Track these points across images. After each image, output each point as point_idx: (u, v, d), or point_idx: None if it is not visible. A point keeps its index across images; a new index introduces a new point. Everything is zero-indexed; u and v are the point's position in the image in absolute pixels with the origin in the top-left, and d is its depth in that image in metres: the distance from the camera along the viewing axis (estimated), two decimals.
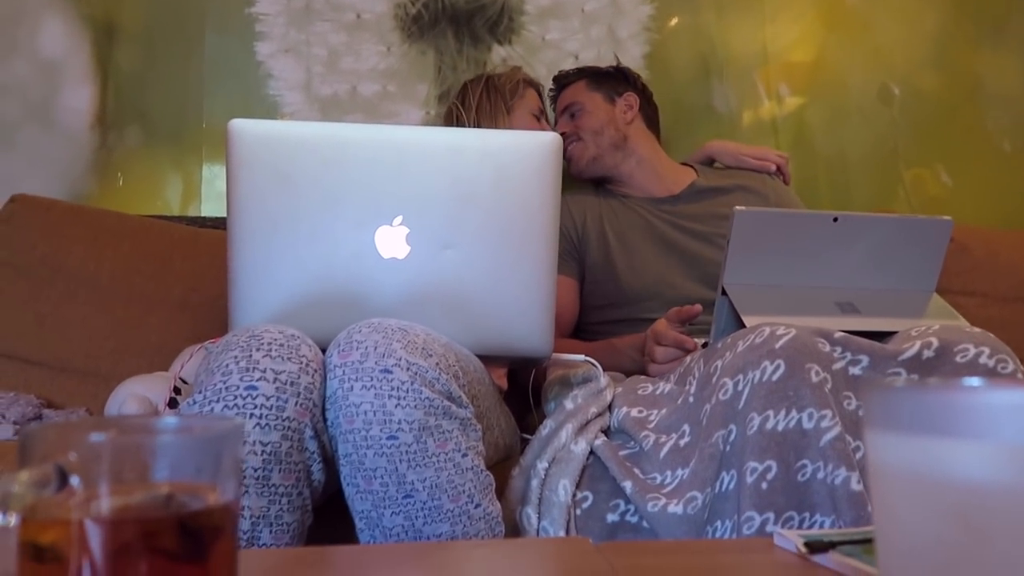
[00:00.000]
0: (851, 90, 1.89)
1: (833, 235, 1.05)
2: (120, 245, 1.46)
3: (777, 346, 0.85)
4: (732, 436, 0.84)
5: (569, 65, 1.76)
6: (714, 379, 0.89)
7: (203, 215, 1.69)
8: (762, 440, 0.81)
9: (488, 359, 0.95)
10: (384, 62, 1.76)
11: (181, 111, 1.70)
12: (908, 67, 1.91)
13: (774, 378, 0.83)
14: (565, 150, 1.52)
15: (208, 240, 1.51)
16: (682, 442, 0.90)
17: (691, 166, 1.57)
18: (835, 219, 1.04)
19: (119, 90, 1.69)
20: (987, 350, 0.89)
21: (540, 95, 1.55)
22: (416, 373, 0.75)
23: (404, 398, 0.73)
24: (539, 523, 0.88)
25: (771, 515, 0.79)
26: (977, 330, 0.94)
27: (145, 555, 0.36)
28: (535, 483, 0.90)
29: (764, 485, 0.79)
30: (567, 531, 0.87)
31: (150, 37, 1.70)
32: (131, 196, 1.69)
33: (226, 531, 0.39)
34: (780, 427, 0.81)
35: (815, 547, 0.53)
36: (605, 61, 1.71)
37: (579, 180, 1.58)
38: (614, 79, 1.61)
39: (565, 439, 0.93)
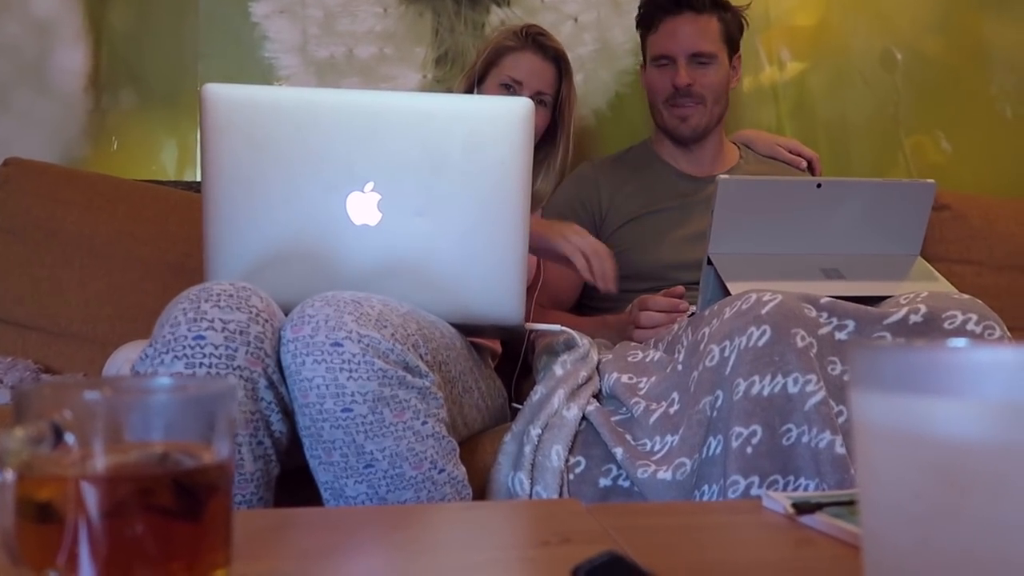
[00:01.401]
0: (853, 55, 1.87)
1: (817, 201, 1.05)
2: (115, 209, 1.46)
3: (763, 312, 0.86)
4: (719, 402, 0.85)
5: (569, 29, 1.74)
6: (701, 346, 0.90)
7: (198, 180, 1.68)
8: (748, 405, 0.82)
9: (463, 328, 0.96)
10: (381, 24, 1.74)
11: (175, 73, 1.68)
12: (911, 32, 1.89)
13: (760, 343, 0.84)
14: (680, 106, 1.40)
15: None
16: (671, 409, 0.91)
17: (736, 145, 1.55)
18: (818, 185, 1.04)
19: (113, 51, 1.67)
20: (975, 316, 0.90)
21: (524, 54, 1.41)
22: (368, 345, 0.75)
23: (356, 370, 0.74)
24: (532, 488, 0.89)
25: (756, 479, 0.80)
26: (966, 297, 0.95)
27: (141, 512, 0.37)
28: (528, 449, 0.91)
29: (749, 449, 0.81)
30: (560, 495, 0.88)
31: None
32: (126, 160, 1.68)
33: (221, 489, 0.39)
34: (766, 392, 0.82)
35: (802, 508, 0.54)
36: (606, 25, 1.66)
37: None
38: (738, 28, 1.45)
39: (557, 405, 0.94)
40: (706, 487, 0.83)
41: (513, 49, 1.40)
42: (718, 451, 0.83)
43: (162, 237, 1.46)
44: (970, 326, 0.89)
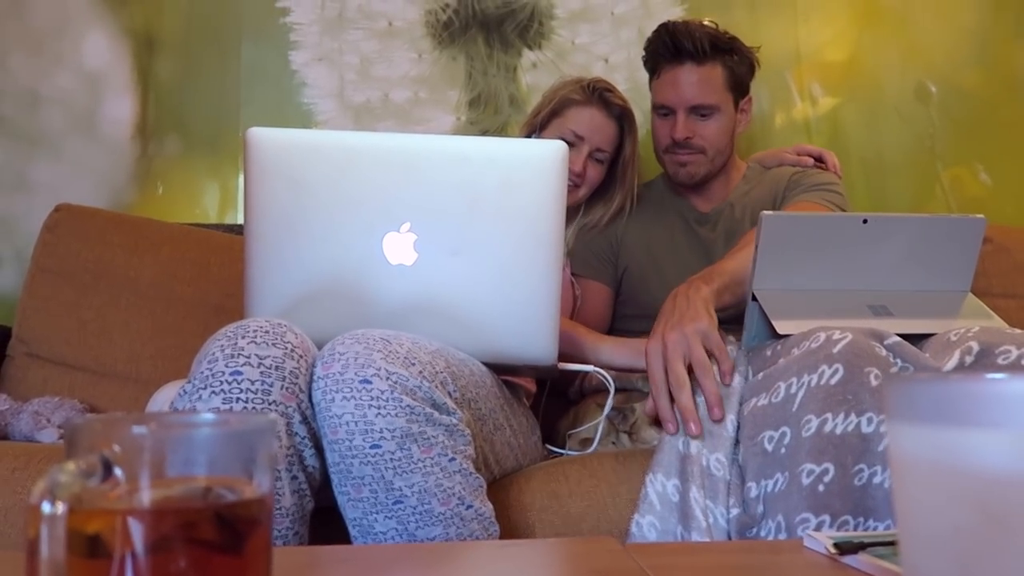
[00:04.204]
0: (887, 89, 1.87)
1: (863, 237, 1.03)
2: (159, 252, 1.50)
3: (835, 351, 0.85)
4: (787, 439, 0.84)
5: (599, 69, 1.76)
6: (766, 383, 0.90)
7: (239, 222, 1.73)
8: (820, 443, 0.81)
9: (496, 367, 0.96)
10: (415, 69, 1.79)
11: (218, 120, 1.74)
12: (946, 64, 1.88)
13: (832, 382, 0.83)
14: (677, 154, 1.37)
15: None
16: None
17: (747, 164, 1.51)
18: (864, 220, 1.03)
19: (159, 100, 1.73)
20: None
21: (592, 109, 1.39)
22: (396, 382, 0.76)
23: (384, 407, 0.75)
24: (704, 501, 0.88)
25: (827, 517, 0.79)
26: (1018, 331, 0.92)
27: (184, 546, 0.37)
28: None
29: (821, 487, 0.80)
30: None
31: (188, 48, 1.74)
32: (170, 204, 1.73)
33: (262, 523, 0.40)
34: (839, 430, 0.81)
35: (845, 548, 0.53)
36: (636, 64, 1.65)
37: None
38: (747, 70, 1.38)
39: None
40: (768, 523, 0.82)
41: (578, 103, 1.39)
42: (781, 487, 0.83)
43: (204, 278, 1.49)
44: None
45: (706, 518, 0.86)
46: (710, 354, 0.95)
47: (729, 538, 0.85)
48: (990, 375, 0.26)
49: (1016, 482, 0.24)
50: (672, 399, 0.94)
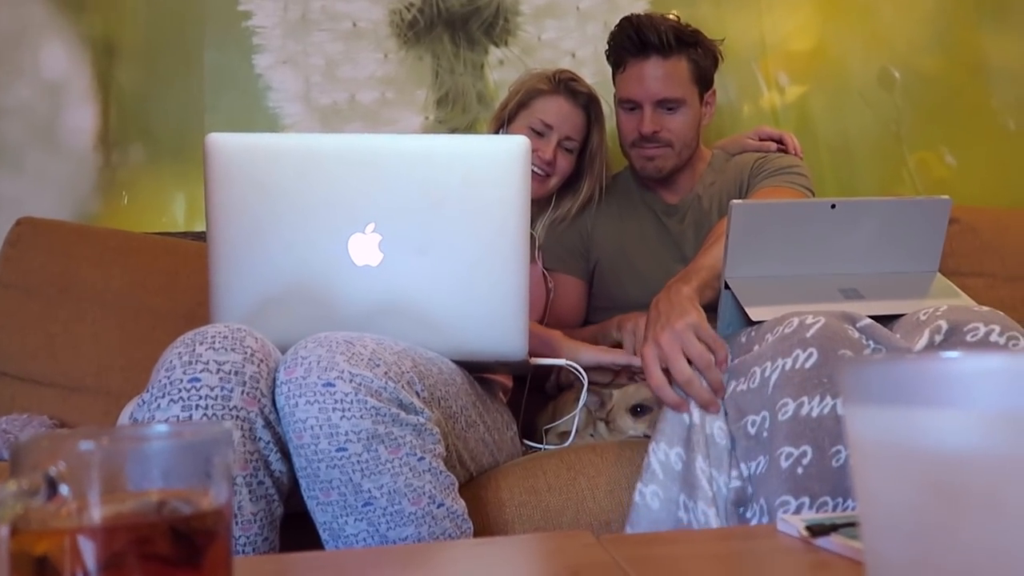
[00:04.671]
0: (851, 76, 1.88)
1: (832, 222, 1.04)
2: (127, 262, 1.48)
3: (808, 335, 0.86)
4: (767, 423, 0.85)
5: (566, 65, 1.76)
6: (741, 369, 0.91)
7: None
8: (797, 426, 0.82)
9: (468, 365, 0.95)
10: (382, 69, 1.77)
11: (183, 127, 1.71)
12: (908, 50, 1.90)
13: (807, 366, 0.84)
14: (644, 148, 1.36)
15: None
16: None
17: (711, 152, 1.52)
18: (833, 206, 1.04)
19: (121, 108, 1.70)
20: (997, 328, 0.89)
21: (558, 99, 1.39)
22: (360, 384, 0.75)
23: (348, 410, 0.74)
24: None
25: (806, 499, 0.80)
26: (986, 308, 0.93)
27: (139, 562, 0.36)
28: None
29: (799, 470, 0.81)
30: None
31: (149, 55, 1.71)
32: (137, 214, 1.70)
33: (219, 535, 0.39)
34: (814, 413, 0.82)
35: (817, 531, 0.53)
36: (602, 59, 1.63)
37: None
38: (711, 63, 1.38)
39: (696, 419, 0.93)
40: (754, 505, 0.83)
41: (545, 92, 1.39)
42: (763, 470, 0.84)
43: (173, 287, 1.47)
44: (993, 337, 0.88)
45: (711, 486, 0.86)
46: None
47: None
48: (940, 355, 0.26)
49: (967, 460, 0.23)
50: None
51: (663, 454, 0.91)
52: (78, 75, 1.69)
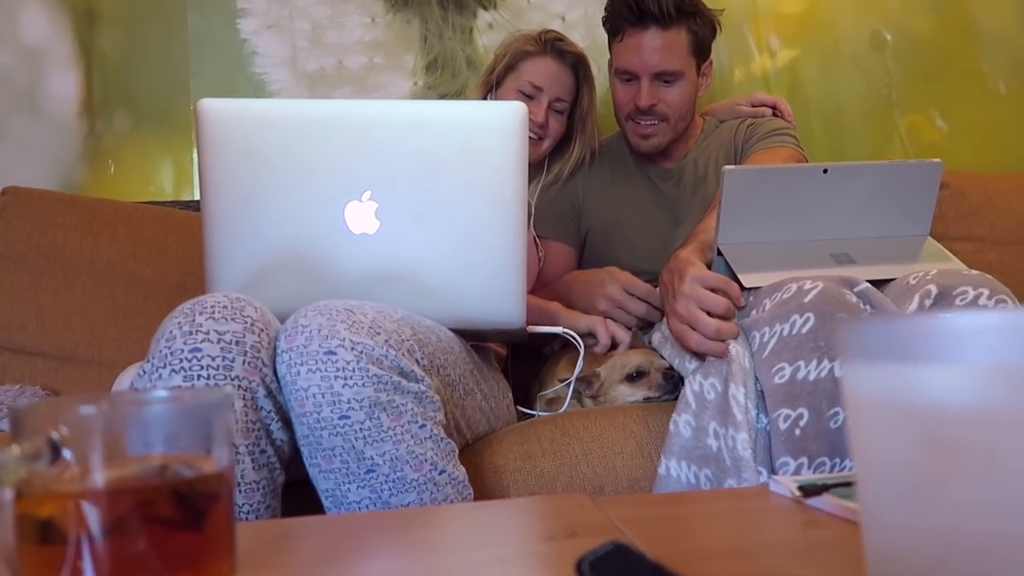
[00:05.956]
0: (843, 39, 1.87)
1: (824, 187, 1.04)
2: (115, 232, 1.46)
3: (806, 300, 0.87)
4: (764, 386, 0.87)
5: (558, 28, 1.73)
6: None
7: (196, 199, 1.68)
8: (794, 389, 0.84)
9: (464, 333, 0.96)
10: (369, 33, 1.75)
11: (167, 93, 1.69)
12: (900, 12, 1.89)
13: (804, 330, 0.85)
14: (639, 124, 1.36)
15: None
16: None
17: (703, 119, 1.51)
18: (825, 171, 1.04)
19: (104, 75, 1.67)
20: (986, 291, 0.90)
21: (545, 59, 1.37)
22: (362, 352, 0.75)
23: (351, 377, 0.74)
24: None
25: (804, 460, 0.82)
26: (975, 272, 0.94)
27: (143, 525, 0.37)
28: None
29: (798, 431, 0.83)
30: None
31: (131, 20, 1.68)
32: (123, 183, 1.68)
33: (222, 498, 0.39)
34: (812, 376, 0.84)
35: (809, 491, 0.53)
36: (593, 22, 1.60)
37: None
38: (709, 33, 1.35)
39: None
40: (759, 466, 0.86)
41: (532, 54, 1.37)
42: (765, 430, 0.86)
43: (163, 257, 1.46)
44: (982, 300, 0.89)
45: (745, 414, 0.87)
46: (716, 291, 0.96)
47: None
48: (937, 313, 0.26)
49: (962, 414, 0.24)
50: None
51: (698, 385, 0.94)
52: (59, 40, 1.66)
